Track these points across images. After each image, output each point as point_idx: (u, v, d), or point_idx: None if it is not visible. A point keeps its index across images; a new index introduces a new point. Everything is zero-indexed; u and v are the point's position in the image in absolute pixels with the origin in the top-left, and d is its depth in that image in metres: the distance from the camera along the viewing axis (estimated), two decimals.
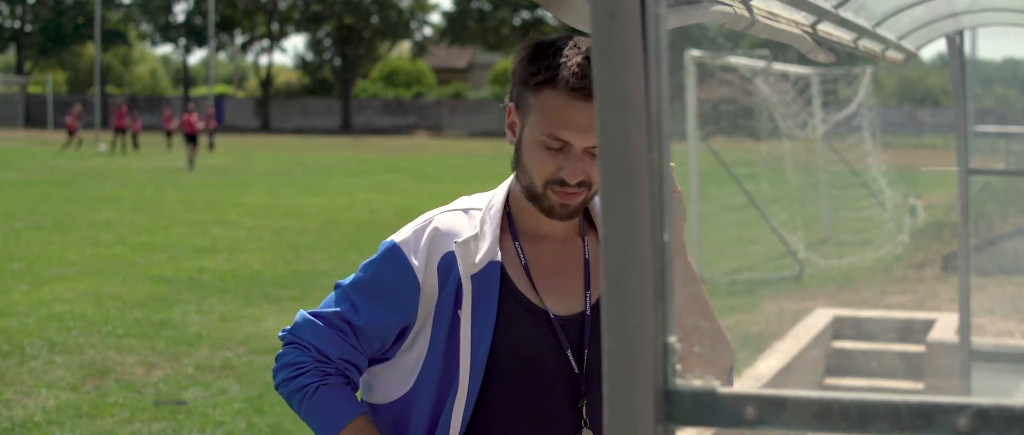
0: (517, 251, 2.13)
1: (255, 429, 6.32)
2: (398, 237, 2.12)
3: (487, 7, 63.08)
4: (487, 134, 58.10)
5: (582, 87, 1.96)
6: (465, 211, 2.15)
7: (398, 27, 66.08)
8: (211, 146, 36.14)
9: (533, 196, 2.06)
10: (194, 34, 67.58)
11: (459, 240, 2.06)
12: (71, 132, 36.18)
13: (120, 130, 36.15)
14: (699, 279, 2.01)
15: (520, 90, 2.05)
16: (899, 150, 26.56)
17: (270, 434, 6.26)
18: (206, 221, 16.47)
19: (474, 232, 2.09)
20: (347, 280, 2.17)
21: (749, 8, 2.32)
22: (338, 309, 2.13)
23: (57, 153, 33.88)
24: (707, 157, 14.09)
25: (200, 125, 31.20)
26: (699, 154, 13.06)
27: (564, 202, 2.03)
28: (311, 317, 2.15)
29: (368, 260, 2.15)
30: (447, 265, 2.07)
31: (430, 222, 2.11)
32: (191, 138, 29.13)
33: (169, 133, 38.87)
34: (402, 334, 2.13)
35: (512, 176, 2.15)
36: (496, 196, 2.15)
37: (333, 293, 2.18)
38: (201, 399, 6.88)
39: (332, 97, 65.38)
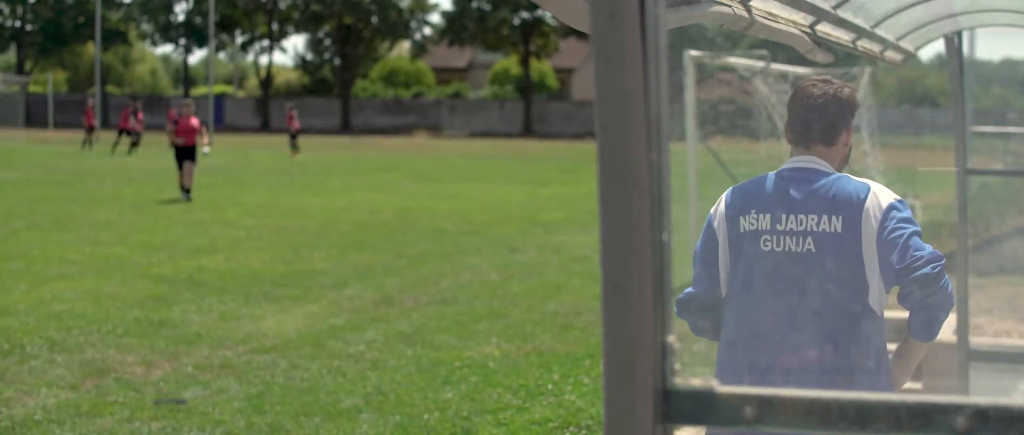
0: None
1: (254, 428, 6.32)
2: None
3: (487, 7, 63.07)
4: (487, 134, 58.07)
5: None
6: None
7: (398, 27, 66.08)
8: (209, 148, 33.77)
9: None
10: (194, 34, 67.60)
11: None
12: (91, 129, 36.66)
13: (123, 131, 36.29)
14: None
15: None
16: (898, 150, 26.57)
17: (269, 433, 6.26)
18: (205, 221, 16.46)
19: None
20: None
21: (748, 8, 2.33)
22: None
23: (76, 152, 34.07)
24: (706, 157, 14.09)
25: (206, 139, 22.96)
26: (698, 154, 13.05)
27: None
28: None
29: None
30: None
31: None
32: (188, 152, 19.91)
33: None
34: None
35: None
36: None
37: None
38: (201, 398, 6.88)
39: (332, 97, 65.38)
